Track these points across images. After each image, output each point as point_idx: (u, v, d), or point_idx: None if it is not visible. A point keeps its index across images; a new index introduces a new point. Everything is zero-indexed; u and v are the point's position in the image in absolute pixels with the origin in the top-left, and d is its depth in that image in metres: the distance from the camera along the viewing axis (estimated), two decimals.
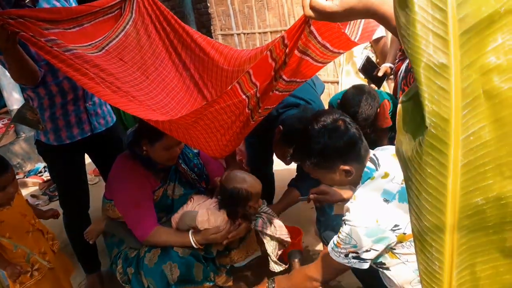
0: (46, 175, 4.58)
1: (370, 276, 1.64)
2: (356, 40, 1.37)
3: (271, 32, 4.53)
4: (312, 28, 1.20)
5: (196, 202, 1.96)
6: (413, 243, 1.22)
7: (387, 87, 2.97)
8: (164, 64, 1.96)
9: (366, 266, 1.30)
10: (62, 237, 2.10)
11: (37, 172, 4.72)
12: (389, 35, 2.60)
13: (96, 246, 2.33)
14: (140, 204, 1.84)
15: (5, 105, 5.20)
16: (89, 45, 1.73)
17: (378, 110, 2.26)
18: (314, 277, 1.47)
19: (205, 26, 6.05)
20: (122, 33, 1.89)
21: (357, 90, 2.25)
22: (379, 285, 1.49)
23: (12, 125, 4.97)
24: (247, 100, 1.34)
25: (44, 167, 4.86)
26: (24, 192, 3.50)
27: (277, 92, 1.39)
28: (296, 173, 2.41)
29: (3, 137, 1.40)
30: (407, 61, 2.31)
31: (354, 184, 1.42)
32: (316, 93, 2.33)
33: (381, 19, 0.91)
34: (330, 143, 1.31)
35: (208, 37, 2.07)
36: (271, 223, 1.97)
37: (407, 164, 0.51)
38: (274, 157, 2.44)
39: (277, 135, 2.05)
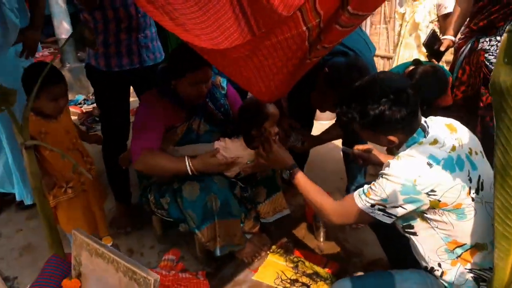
0: (86, 107, 4.73)
1: (396, 247, 1.63)
2: None
3: None
4: None
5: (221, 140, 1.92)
6: (445, 212, 1.23)
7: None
8: None
9: (388, 221, 1.29)
10: (98, 167, 2.15)
11: (77, 103, 4.89)
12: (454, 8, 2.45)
13: (129, 177, 2.41)
14: (147, 127, 1.82)
15: (53, 34, 5.31)
16: None
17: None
18: (327, 204, 1.44)
19: None
20: None
21: (426, 71, 2.11)
22: (404, 258, 1.48)
23: (58, 54, 5.07)
24: (307, 33, 1.27)
25: (84, 99, 5.02)
26: None
27: (338, 27, 1.31)
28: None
29: (51, 63, 1.43)
30: (472, 40, 2.19)
31: (397, 148, 1.39)
32: (368, 47, 2.20)
33: None
34: (388, 114, 1.26)
35: None
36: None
37: (503, 94, 0.48)
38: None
39: (321, 77, 1.95)
